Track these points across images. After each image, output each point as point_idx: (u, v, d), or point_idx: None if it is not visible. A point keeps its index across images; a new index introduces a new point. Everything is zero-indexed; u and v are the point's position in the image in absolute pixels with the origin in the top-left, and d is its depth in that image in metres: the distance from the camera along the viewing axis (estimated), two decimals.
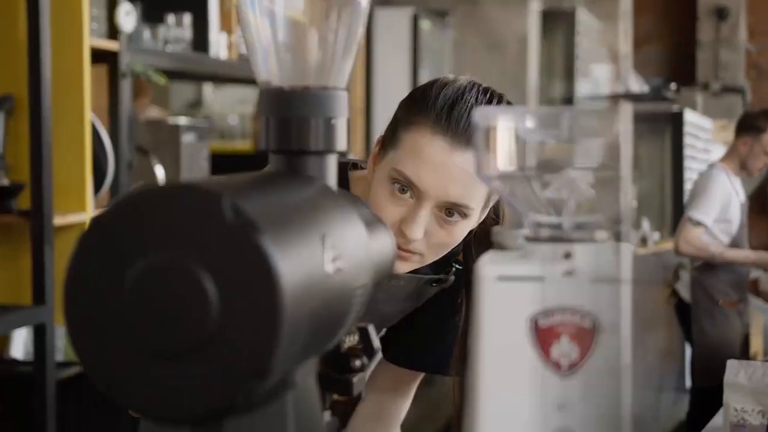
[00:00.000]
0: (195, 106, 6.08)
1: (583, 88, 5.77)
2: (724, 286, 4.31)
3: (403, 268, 1.29)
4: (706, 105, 7.88)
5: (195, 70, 3.14)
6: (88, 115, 2.46)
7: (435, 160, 1.22)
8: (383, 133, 1.31)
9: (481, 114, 0.69)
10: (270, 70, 0.78)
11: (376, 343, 0.86)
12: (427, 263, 1.31)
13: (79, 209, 2.45)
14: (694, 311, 4.36)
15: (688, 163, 7.01)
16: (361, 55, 4.50)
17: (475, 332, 0.68)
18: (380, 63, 4.59)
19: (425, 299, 1.45)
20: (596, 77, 5.76)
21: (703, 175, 4.42)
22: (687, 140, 7.02)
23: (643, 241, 6.15)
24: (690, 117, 7.08)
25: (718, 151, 8.35)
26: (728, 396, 1.91)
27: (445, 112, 1.23)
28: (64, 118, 2.42)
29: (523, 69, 5.61)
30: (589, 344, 0.66)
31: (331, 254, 0.67)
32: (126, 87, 2.64)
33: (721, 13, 9.19)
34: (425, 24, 5.04)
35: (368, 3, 0.81)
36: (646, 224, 6.54)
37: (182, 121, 3.16)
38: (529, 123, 0.69)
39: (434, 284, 1.42)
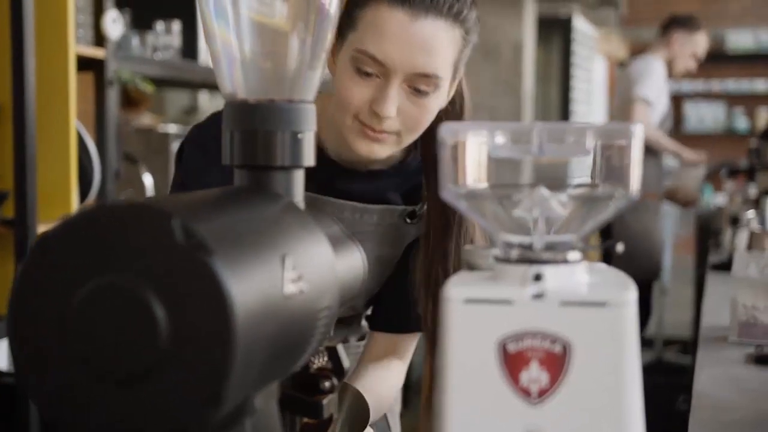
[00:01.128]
0: (190, 112, 6.06)
1: None
2: (651, 177, 4.31)
3: (380, 151, 1.25)
4: (582, 15, 7.82)
5: (184, 77, 3.12)
6: (74, 123, 2.43)
7: (396, 33, 1.19)
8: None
9: (447, 129, 0.66)
10: (235, 83, 0.76)
11: (346, 362, 0.84)
12: (405, 145, 1.27)
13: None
14: None
15: (573, 71, 7.00)
16: None
17: (442, 356, 0.65)
18: None
19: (403, 246, 1.39)
20: None
21: (642, 61, 4.38)
22: (574, 47, 7.00)
23: None
24: (578, 24, 7.05)
25: (599, 61, 8.35)
26: (737, 292, 1.78)
27: None
28: (49, 126, 2.39)
29: (518, 76, 5.59)
30: (559, 370, 0.63)
31: (292, 275, 0.65)
32: (113, 95, 2.61)
33: None
34: None
35: (336, 12, 0.78)
36: None
37: (172, 129, 3.14)
38: (499, 139, 0.67)
39: (409, 220, 1.37)
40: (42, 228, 2.33)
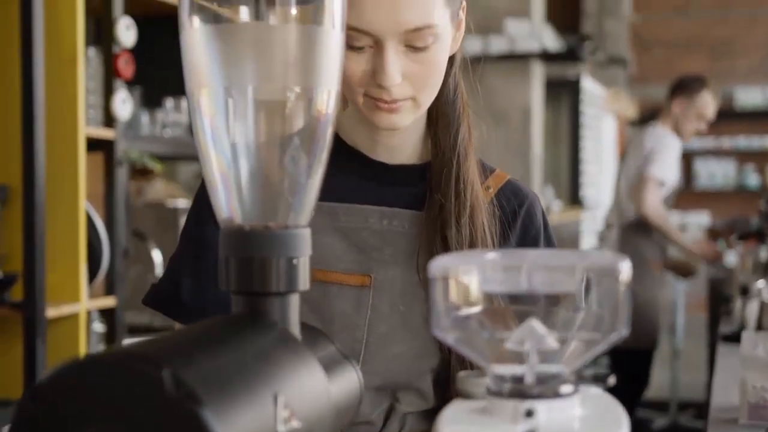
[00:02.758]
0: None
1: (497, 44, 5.66)
2: (655, 246, 4.23)
3: (401, 121, 1.17)
4: (591, 75, 7.88)
5: (193, 153, 3.15)
6: (83, 205, 2.45)
7: None
8: None
9: (437, 264, 0.67)
10: (231, 209, 0.77)
11: None
12: (425, 106, 1.18)
13: (73, 300, 2.43)
14: None
15: (582, 131, 7.03)
16: None
17: None
18: None
19: None
20: (511, 34, 5.69)
21: (654, 136, 4.32)
22: (582, 108, 7.03)
23: (547, 209, 6.09)
24: (587, 84, 7.09)
25: (609, 120, 8.44)
26: (745, 373, 1.76)
27: None
28: (59, 207, 2.41)
29: (527, 140, 5.62)
30: None
31: (285, 413, 0.65)
32: (122, 174, 2.64)
33: None
34: None
35: (332, 134, 0.79)
36: (549, 192, 6.48)
37: (182, 203, 3.16)
38: (489, 272, 0.67)
39: None
40: (51, 310, 2.33)
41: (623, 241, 4.29)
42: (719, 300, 4.26)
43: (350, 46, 1.12)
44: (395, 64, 1.12)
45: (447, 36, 1.17)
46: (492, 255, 0.69)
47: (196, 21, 0.75)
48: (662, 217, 4.20)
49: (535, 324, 0.67)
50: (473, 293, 0.67)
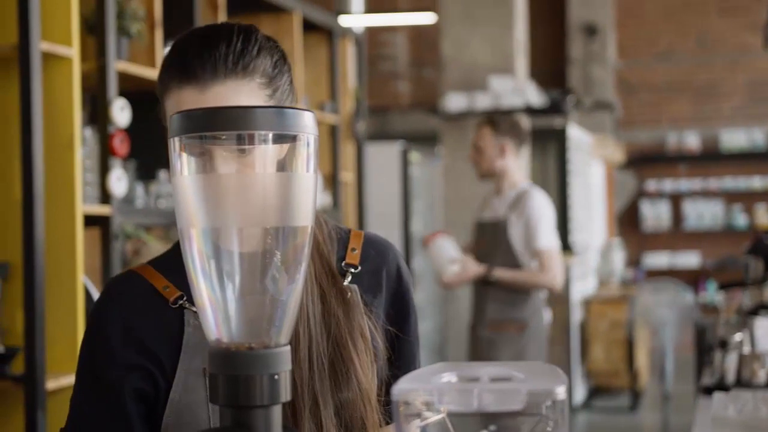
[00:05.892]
0: None
1: (481, 101, 5.83)
2: (488, 308, 4.09)
3: None
4: (578, 121, 8.02)
5: None
6: (81, 279, 2.54)
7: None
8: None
9: (398, 388, 0.77)
10: (219, 331, 0.87)
11: None
12: None
13: (72, 371, 2.51)
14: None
15: (569, 178, 7.14)
16: (354, 192, 4.61)
17: None
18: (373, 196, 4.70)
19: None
20: (496, 90, 5.83)
21: None
22: (569, 155, 7.15)
23: None
24: (573, 132, 7.24)
25: (597, 166, 8.58)
26: None
27: (178, 59, 1.21)
28: (58, 282, 2.51)
29: None
30: None
31: None
32: (117, 248, 2.74)
33: (590, 30, 9.54)
34: (414, 156, 5.17)
35: (308, 259, 0.89)
36: None
37: None
38: (445, 395, 0.77)
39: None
40: (51, 383, 2.42)
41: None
42: (704, 347, 4.34)
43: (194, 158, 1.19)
44: (225, 167, 1.17)
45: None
46: (447, 378, 0.79)
47: (186, 170, 0.86)
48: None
49: None
50: (432, 413, 0.77)
